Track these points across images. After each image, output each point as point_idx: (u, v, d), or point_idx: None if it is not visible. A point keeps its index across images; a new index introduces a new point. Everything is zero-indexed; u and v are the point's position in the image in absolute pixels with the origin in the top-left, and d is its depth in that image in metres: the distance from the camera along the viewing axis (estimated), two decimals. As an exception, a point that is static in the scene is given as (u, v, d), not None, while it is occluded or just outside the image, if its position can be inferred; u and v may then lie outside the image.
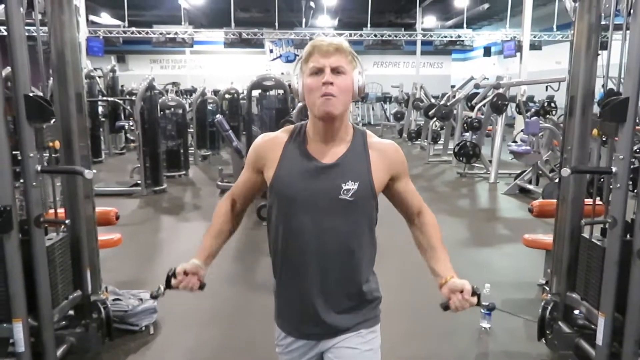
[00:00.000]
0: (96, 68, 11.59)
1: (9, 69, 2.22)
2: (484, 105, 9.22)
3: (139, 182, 7.55)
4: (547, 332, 2.84)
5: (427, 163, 10.64)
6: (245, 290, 4.02)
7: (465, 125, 9.64)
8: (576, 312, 2.78)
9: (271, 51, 22.30)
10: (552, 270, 2.95)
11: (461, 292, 1.35)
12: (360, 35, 15.41)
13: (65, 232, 2.68)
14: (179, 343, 3.18)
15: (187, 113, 9.90)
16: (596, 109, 2.78)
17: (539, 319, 2.87)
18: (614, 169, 2.30)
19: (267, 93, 7.30)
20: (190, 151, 10.04)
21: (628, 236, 2.33)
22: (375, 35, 15.49)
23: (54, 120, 2.57)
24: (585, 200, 2.80)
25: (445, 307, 1.39)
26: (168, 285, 1.47)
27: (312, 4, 17.37)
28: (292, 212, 1.39)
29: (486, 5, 15.60)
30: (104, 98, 10.80)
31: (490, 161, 8.86)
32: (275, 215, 1.43)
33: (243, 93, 11.09)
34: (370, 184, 1.39)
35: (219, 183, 7.66)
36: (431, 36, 16.37)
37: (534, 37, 14.54)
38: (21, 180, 2.27)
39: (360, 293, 1.44)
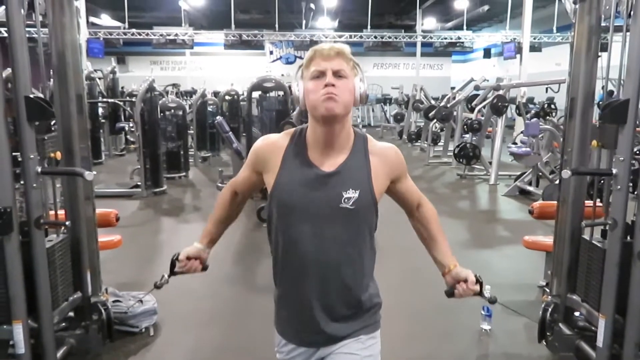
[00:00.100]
0: (96, 69, 11.59)
1: (9, 70, 2.22)
2: (484, 106, 9.23)
3: (139, 183, 7.55)
4: (548, 333, 2.84)
5: (427, 165, 10.63)
6: (245, 291, 4.01)
7: (465, 126, 9.66)
8: (577, 313, 2.77)
9: (271, 53, 22.32)
10: (553, 272, 2.94)
11: (465, 281, 1.44)
12: (361, 37, 15.43)
13: (65, 233, 2.67)
14: (179, 344, 3.18)
15: (187, 114, 9.90)
16: (596, 111, 2.78)
17: (539, 321, 2.87)
18: (614, 171, 2.30)
19: (268, 95, 7.30)
20: (190, 153, 10.05)
21: (628, 238, 2.32)
22: (375, 37, 15.51)
23: (54, 121, 2.57)
24: (586, 202, 2.80)
25: (450, 293, 1.47)
26: (172, 271, 1.52)
27: (312, 5, 17.39)
28: (292, 221, 1.38)
29: (486, 7, 15.63)
30: (104, 99, 10.80)
31: (491, 163, 8.86)
32: (275, 223, 1.43)
33: (243, 94, 11.09)
34: (371, 191, 1.38)
35: (219, 184, 7.66)
36: (431, 38, 16.40)
37: (534, 38, 14.57)
38: (21, 182, 2.27)
39: (360, 301, 1.44)
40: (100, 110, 10.95)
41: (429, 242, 1.54)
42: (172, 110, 9.03)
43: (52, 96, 2.69)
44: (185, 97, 14.01)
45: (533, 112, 10.17)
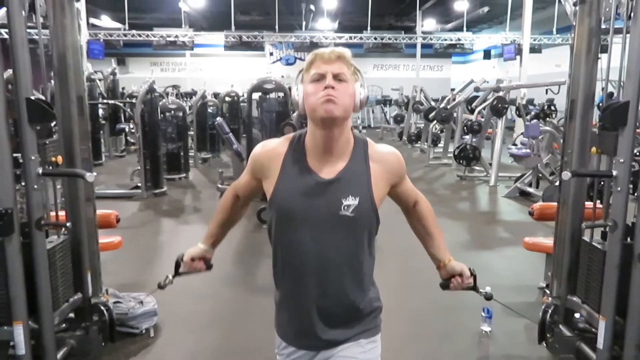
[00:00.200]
0: (97, 71, 11.59)
1: (10, 71, 2.23)
2: (484, 108, 9.23)
3: (139, 184, 7.55)
4: (548, 335, 2.84)
5: (427, 166, 10.64)
6: (245, 292, 4.01)
7: (465, 128, 9.66)
8: (577, 315, 2.77)
9: (271, 54, 22.34)
10: (553, 273, 2.95)
11: (460, 275, 1.51)
12: (361, 39, 15.45)
13: (66, 234, 2.68)
14: (179, 346, 3.18)
15: (188, 116, 9.91)
16: (596, 112, 2.78)
17: (539, 322, 2.87)
18: (614, 173, 2.30)
19: (268, 96, 7.30)
20: (190, 154, 10.05)
21: (628, 239, 2.33)
22: (376, 39, 15.53)
23: (55, 123, 2.57)
24: (586, 203, 2.80)
25: (445, 286, 1.54)
26: (177, 272, 1.54)
27: (312, 7, 17.40)
28: (292, 228, 1.38)
29: (486, 9, 15.65)
30: (105, 101, 10.81)
31: (491, 164, 8.86)
32: (275, 230, 1.42)
33: (243, 96, 11.11)
34: (370, 198, 1.37)
35: (219, 186, 7.66)
36: (431, 39, 16.42)
37: (534, 40, 14.58)
38: (22, 183, 2.27)
39: (359, 306, 1.43)
40: (100, 112, 10.96)
41: (425, 237, 1.57)
42: (172, 112, 9.04)
43: (53, 97, 2.69)
44: (185, 99, 14.04)
45: (533, 113, 10.20)
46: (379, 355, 1.49)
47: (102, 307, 2.83)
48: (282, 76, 15.95)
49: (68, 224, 2.55)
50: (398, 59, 22.14)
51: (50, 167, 2.46)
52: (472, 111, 9.99)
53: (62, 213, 2.75)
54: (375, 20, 15.89)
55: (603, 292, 2.39)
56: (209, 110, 11.79)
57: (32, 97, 2.21)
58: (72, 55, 2.69)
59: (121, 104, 10.20)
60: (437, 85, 19.79)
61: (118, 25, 16.10)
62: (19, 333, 2.24)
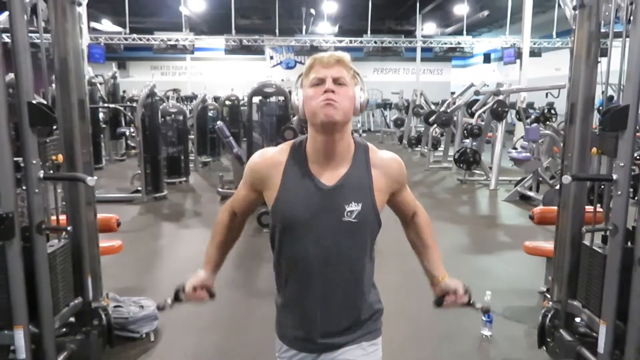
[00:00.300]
0: (97, 75, 11.62)
1: (12, 75, 2.23)
2: (484, 111, 9.25)
3: (139, 188, 7.55)
4: (548, 339, 2.83)
5: (427, 170, 10.64)
6: (246, 296, 4.01)
7: (465, 131, 9.66)
8: (577, 319, 2.76)
9: (271, 58, 22.37)
10: (553, 277, 2.94)
11: (454, 292, 1.48)
12: (361, 42, 15.46)
13: (66, 238, 2.67)
14: (179, 350, 3.17)
15: (188, 119, 9.92)
16: (596, 116, 2.79)
17: (539, 327, 2.86)
18: (614, 176, 2.31)
19: (268, 100, 7.31)
20: (190, 158, 10.05)
21: (629, 243, 2.33)
22: (375, 42, 15.54)
23: (56, 127, 2.58)
24: (586, 207, 2.80)
25: (439, 303, 1.52)
26: (176, 298, 1.51)
27: (312, 11, 17.43)
28: (295, 235, 1.37)
29: (486, 12, 15.66)
30: (105, 105, 10.84)
31: (491, 168, 8.87)
32: (277, 237, 1.42)
33: (243, 99, 11.13)
34: (373, 203, 1.37)
35: (220, 190, 7.66)
36: (431, 43, 16.41)
37: (534, 44, 14.58)
38: (23, 187, 2.27)
39: (361, 309, 1.44)
40: (101, 116, 10.98)
41: (421, 249, 1.56)
42: (173, 115, 9.06)
43: (54, 101, 2.70)
44: (185, 102, 14.06)
45: (533, 117, 10.20)
46: (380, 357, 1.49)
47: (101, 312, 2.82)
48: (283, 80, 15.95)
49: (69, 228, 2.56)
50: (398, 62, 22.16)
51: (51, 170, 2.47)
52: (472, 115, 10.00)
53: (62, 217, 2.75)
54: (375, 24, 15.90)
55: (604, 296, 2.39)
56: (210, 114, 11.81)
57: (34, 101, 2.21)
58: (74, 59, 2.70)
59: (122, 108, 10.22)
60: (437, 89, 19.82)
61: (119, 29, 16.14)
62: (20, 337, 2.24)
